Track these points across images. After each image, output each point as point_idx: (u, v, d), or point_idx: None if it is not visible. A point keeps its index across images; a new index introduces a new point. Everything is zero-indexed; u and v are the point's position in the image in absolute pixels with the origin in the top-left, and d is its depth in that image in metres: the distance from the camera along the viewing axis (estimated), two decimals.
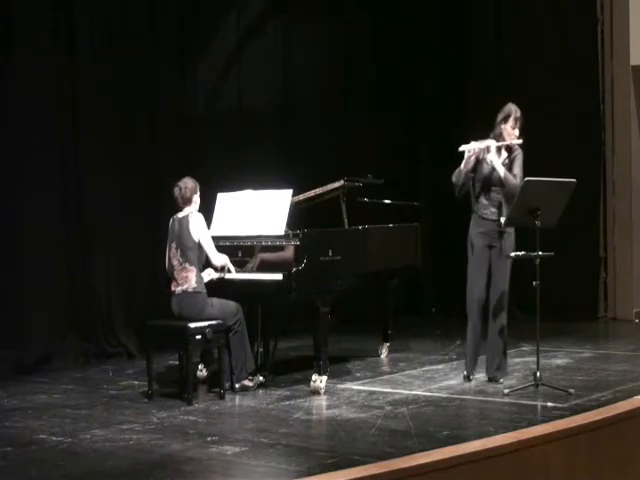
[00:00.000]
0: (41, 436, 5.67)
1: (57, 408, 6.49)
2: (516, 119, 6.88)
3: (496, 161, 6.84)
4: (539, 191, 6.54)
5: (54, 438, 5.62)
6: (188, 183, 6.84)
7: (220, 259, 6.83)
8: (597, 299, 10.83)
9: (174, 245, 6.79)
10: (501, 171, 6.81)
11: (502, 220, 6.73)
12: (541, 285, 6.58)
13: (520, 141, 6.88)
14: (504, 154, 6.93)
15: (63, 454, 5.29)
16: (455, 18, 11.61)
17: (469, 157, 6.88)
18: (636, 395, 6.19)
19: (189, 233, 6.72)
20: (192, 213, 6.80)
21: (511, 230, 6.90)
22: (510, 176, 6.80)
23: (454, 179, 6.97)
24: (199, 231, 6.73)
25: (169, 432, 5.73)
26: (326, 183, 7.53)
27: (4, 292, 7.82)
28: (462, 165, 6.91)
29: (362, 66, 11.05)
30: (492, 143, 6.87)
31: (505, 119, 6.90)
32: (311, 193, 7.55)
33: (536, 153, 10.26)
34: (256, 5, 10.15)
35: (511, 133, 6.88)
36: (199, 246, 6.73)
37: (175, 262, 6.77)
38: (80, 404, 6.62)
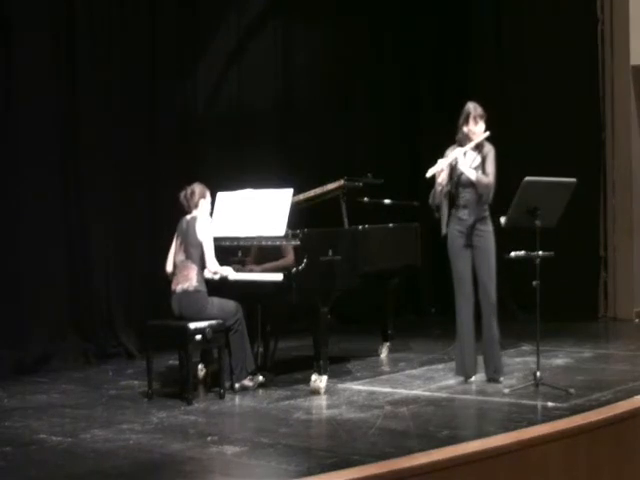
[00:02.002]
0: (41, 436, 5.67)
1: (57, 408, 6.49)
2: (476, 117, 6.78)
3: (466, 170, 6.80)
4: (539, 191, 6.54)
5: (54, 438, 5.61)
6: (195, 188, 6.90)
7: (214, 265, 6.80)
8: (597, 299, 10.81)
9: (179, 241, 6.85)
10: (472, 176, 6.77)
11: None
12: (541, 285, 6.58)
13: (487, 134, 6.79)
14: (473, 154, 6.86)
15: (63, 454, 5.29)
16: (455, 18, 11.62)
17: (439, 175, 6.82)
18: (636, 395, 6.20)
19: (194, 232, 6.76)
20: (200, 215, 6.84)
21: (490, 228, 6.87)
22: (481, 176, 6.76)
23: (430, 201, 6.92)
24: (204, 232, 6.75)
25: (169, 432, 5.72)
26: (326, 183, 7.53)
27: (4, 292, 7.81)
28: (436, 186, 6.84)
29: (362, 66, 11.03)
30: (458, 154, 6.81)
31: (466, 120, 6.81)
32: (311, 193, 7.55)
33: (536, 153, 10.38)
34: (256, 5, 10.14)
35: (475, 131, 6.79)
36: (202, 246, 6.75)
37: (178, 258, 6.81)
38: (80, 404, 6.62)
